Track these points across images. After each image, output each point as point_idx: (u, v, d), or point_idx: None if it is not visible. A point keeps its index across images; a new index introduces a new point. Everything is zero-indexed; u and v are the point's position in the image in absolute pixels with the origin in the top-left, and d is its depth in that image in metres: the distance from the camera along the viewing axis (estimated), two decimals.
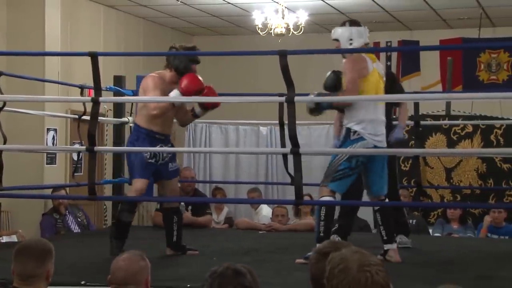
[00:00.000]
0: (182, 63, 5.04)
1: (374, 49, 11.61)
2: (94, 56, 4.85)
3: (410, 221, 7.07)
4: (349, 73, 4.72)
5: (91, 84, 4.99)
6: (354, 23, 5.01)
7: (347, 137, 4.71)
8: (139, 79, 6.89)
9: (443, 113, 8.38)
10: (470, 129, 7.97)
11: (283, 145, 5.76)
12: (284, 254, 5.03)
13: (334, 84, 4.81)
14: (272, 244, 5.53)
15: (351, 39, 4.87)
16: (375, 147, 4.68)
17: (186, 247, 5.14)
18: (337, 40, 4.91)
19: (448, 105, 8.36)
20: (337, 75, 4.82)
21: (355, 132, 4.66)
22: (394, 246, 4.81)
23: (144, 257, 2.97)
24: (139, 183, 4.99)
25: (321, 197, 4.69)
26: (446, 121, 7.99)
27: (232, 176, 9.06)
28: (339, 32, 4.93)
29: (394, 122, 5.49)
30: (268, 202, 7.98)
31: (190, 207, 6.68)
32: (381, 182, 4.80)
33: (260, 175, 9.03)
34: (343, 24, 4.99)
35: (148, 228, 7.59)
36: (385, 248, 4.78)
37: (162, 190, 5.21)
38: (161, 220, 6.75)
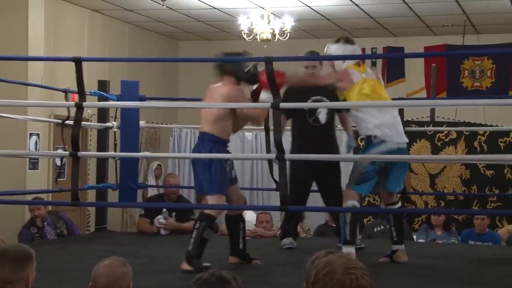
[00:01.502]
0: (250, 68, 4.90)
1: (360, 57, 11.65)
2: (78, 61, 4.81)
3: (380, 227, 7.09)
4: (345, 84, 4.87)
5: (75, 88, 4.95)
6: (348, 41, 5.10)
7: (369, 143, 4.84)
8: (124, 84, 6.88)
9: (428, 119, 8.42)
10: (454, 135, 8.01)
11: (268, 150, 5.75)
12: (269, 261, 5.02)
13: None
14: (256, 250, 5.51)
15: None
16: (399, 149, 4.82)
17: (249, 256, 4.91)
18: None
19: (432, 111, 8.40)
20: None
21: (375, 136, 4.78)
22: (403, 247, 4.98)
23: (126, 263, 2.95)
24: (221, 200, 4.68)
25: (347, 200, 4.80)
26: (430, 128, 8.02)
27: None
28: (333, 49, 5.06)
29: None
30: (253, 208, 7.96)
31: (174, 213, 6.65)
32: (397, 180, 4.97)
33: (245, 181, 9.02)
34: (337, 41, 5.07)
35: (132, 234, 7.55)
36: (394, 249, 4.94)
37: (229, 198, 4.85)
38: (145, 227, 6.75)
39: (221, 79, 4.93)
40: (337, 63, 4.99)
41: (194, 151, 5.00)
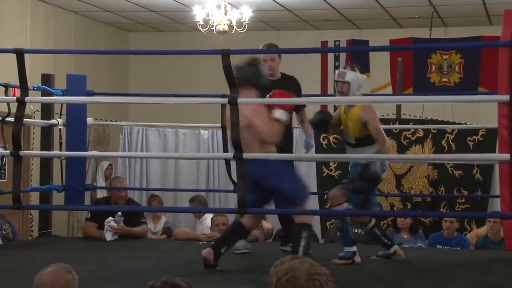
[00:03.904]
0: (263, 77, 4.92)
1: (322, 50, 11.76)
2: (20, 53, 4.73)
3: (359, 230, 7.14)
4: (374, 122, 5.12)
5: (17, 82, 4.88)
6: (360, 70, 5.28)
7: None
8: (70, 78, 6.79)
9: (393, 116, 8.49)
10: (421, 133, 8.10)
11: (225, 149, 5.75)
12: (225, 266, 5.01)
13: (318, 124, 5.31)
14: None
15: (359, 86, 5.14)
16: None
17: None
18: (347, 83, 5.10)
19: (398, 108, 8.48)
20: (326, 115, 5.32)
21: None
22: (396, 246, 5.43)
23: (71, 270, 2.91)
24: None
25: (340, 203, 5.08)
26: (396, 125, 8.10)
27: (171, 183, 9.00)
28: (352, 77, 5.13)
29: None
30: (209, 211, 7.94)
31: (122, 218, 6.60)
32: None
33: (201, 182, 9.00)
34: (352, 69, 5.20)
35: (78, 239, 7.47)
36: (392, 251, 5.36)
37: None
38: (92, 231, 6.68)
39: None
40: (353, 88, 5.10)
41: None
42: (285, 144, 5.44)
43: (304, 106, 5.71)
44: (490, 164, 7.45)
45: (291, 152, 5.56)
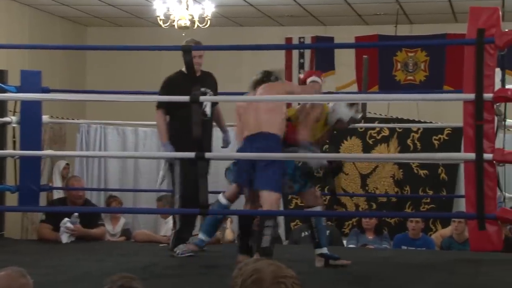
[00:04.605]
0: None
1: (287, 46, 11.77)
2: None
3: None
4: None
5: None
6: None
7: None
8: (24, 74, 6.71)
9: None
10: (387, 132, 8.17)
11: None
12: (185, 269, 5.00)
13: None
14: (173, 259, 5.48)
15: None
16: None
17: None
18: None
19: (363, 106, 8.52)
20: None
21: None
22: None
23: (25, 274, 2.87)
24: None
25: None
26: (361, 124, 8.15)
27: (130, 183, 8.95)
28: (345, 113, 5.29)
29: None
30: (172, 212, 7.90)
31: (78, 220, 6.55)
32: None
33: (162, 182, 8.95)
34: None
35: (33, 242, 7.38)
36: (322, 252, 5.18)
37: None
38: (47, 233, 6.61)
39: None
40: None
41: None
42: (210, 139, 5.53)
43: (217, 102, 5.83)
44: (455, 163, 7.54)
45: (209, 147, 5.63)
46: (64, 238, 6.41)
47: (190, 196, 5.47)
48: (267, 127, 4.90)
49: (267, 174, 4.82)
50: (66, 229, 6.42)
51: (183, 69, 5.64)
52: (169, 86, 5.61)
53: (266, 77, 5.18)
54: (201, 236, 5.38)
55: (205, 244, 5.47)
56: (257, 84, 5.16)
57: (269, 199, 4.82)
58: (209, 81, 5.70)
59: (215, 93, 5.75)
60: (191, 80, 5.45)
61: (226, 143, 6.01)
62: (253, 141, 4.89)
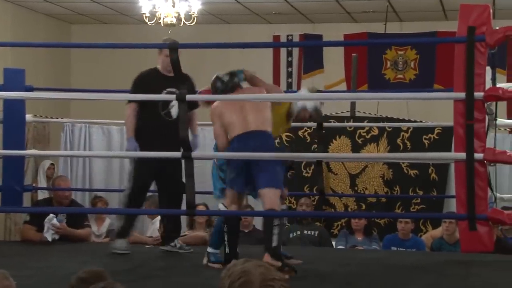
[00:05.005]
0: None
1: (275, 44, 11.77)
2: None
3: (311, 232, 7.18)
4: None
5: None
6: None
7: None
8: (7, 72, 6.68)
9: (348, 114, 8.56)
10: (376, 132, 8.17)
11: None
12: (172, 271, 4.99)
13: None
14: (159, 260, 5.48)
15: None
16: None
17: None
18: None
19: (353, 105, 8.55)
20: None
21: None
22: None
23: (8, 276, 2.86)
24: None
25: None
26: (350, 123, 8.17)
27: (116, 183, 8.91)
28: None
29: None
30: (158, 213, 7.88)
31: (65, 217, 6.53)
32: None
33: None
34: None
35: (16, 243, 7.35)
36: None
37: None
38: (31, 234, 6.58)
39: None
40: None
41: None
42: (175, 141, 5.50)
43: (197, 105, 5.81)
44: (445, 163, 7.56)
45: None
46: (49, 236, 6.37)
47: (136, 195, 5.62)
48: (259, 125, 4.90)
49: (271, 171, 4.81)
50: (52, 225, 6.37)
51: (158, 66, 5.67)
52: (141, 82, 5.66)
53: (238, 79, 5.15)
54: (210, 250, 5.24)
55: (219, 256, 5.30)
56: (233, 86, 5.13)
57: (274, 197, 4.80)
58: (182, 82, 5.54)
59: (191, 93, 5.68)
60: (164, 79, 5.47)
61: (194, 147, 5.96)
62: (247, 140, 4.87)
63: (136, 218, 6.04)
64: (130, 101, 5.69)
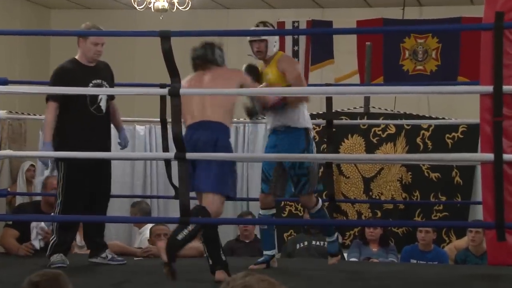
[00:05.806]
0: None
1: (279, 32, 11.74)
2: None
3: (320, 243, 7.19)
4: (296, 69, 5.58)
5: None
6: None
7: (308, 137, 5.39)
8: None
9: (361, 110, 8.57)
10: (393, 130, 8.18)
11: (165, 148, 5.73)
12: (162, 286, 5.00)
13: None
14: (149, 274, 5.48)
15: (275, 42, 5.64)
16: None
17: None
18: (265, 40, 5.57)
19: (367, 100, 8.56)
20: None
21: (309, 129, 5.42)
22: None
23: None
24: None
25: (316, 204, 5.50)
26: (364, 121, 8.17)
27: None
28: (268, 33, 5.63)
29: None
30: (148, 221, 7.89)
31: None
32: None
33: (137, 186, 8.93)
34: (265, 25, 5.72)
35: None
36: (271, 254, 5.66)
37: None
38: (9, 242, 6.57)
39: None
40: (271, 44, 5.60)
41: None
42: (105, 137, 5.67)
43: (113, 97, 5.83)
44: (471, 165, 7.56)
45: (109, 147, 5.87)
46: (36, 243, 6.39)
47: (72, 202, 5.62)
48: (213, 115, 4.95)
49: (209, 172, 4.84)
50: (41, 229, 6.39)
51: (77, 57, 5.67)
52: (63, 76, 5.62)
53: (211, 55, 5.17)
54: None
55: (270, 259, 5.64)
56: (202, 61, 5.15)
57: (214, 204, 4.87)
58: (105, 72, 5.73)
59: (111, 85, 5.76)
60: (87, 70, 5.51)
61: (124, 143, 6.06)
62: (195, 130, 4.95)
63: (74, 231, 5.97)
64: (50, 99, 5.60)
